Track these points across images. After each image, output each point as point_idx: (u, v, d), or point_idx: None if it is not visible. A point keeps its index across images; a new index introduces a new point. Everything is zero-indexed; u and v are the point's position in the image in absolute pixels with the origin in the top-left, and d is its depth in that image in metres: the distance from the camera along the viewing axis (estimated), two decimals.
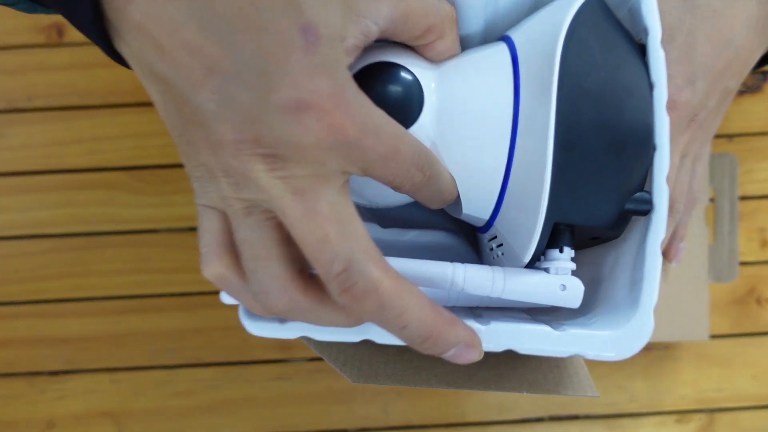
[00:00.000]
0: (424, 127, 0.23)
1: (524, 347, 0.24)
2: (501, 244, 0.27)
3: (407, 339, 0.20)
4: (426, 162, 0.21)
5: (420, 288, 0.22)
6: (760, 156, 0.51)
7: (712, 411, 0.50)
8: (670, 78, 0.26)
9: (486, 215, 0.26)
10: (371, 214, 0.33)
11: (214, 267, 0.20)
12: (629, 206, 0.24)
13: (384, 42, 0.23)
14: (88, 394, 0.50)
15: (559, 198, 0.23)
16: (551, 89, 0.23)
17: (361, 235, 0.19)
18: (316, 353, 0.48)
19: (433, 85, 0.24)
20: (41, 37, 0.54)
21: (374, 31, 0.20)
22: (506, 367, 0.31)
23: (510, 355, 0.29)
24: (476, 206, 0.25)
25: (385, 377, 0.29)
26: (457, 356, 0.21)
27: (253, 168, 0.17)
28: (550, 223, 0.23)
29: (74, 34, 0.54)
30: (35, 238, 0.51)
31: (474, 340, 0.21)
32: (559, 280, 0.25)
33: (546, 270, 0.25)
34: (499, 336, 0.24)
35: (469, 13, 0.26)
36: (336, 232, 0.18)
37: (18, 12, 0.57)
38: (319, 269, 0.18)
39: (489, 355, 0.29)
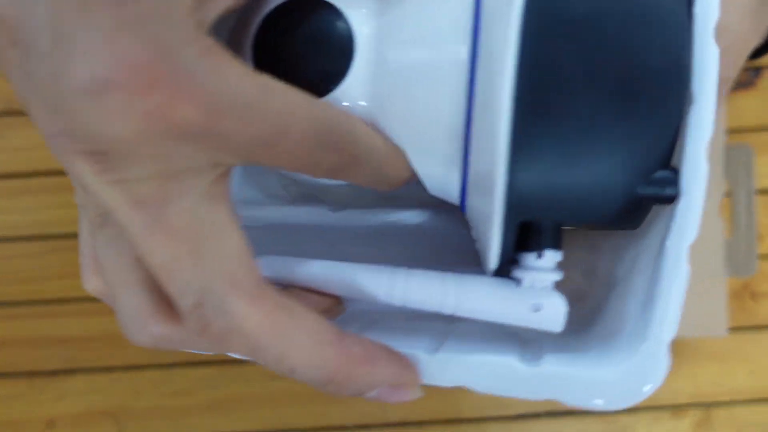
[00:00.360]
0: (350, 90, 0.17)
1: (481, 386, 0.18)
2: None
3: (304, 382, 0.16)
4: (341, 138, 0.15)
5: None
6: (755, 151, 0.51)
7: (708, 405, 0.50)
8: None
9: (455, 199, 0.19)
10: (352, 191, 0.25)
11: (92, 282, 0.16)
12: (643, 190, 0.16)
13: None
14: (88, 394, 0.50)
15: (526, 178, 0.16)
16: (510, 15, 0.15)
17: (227, 254, 0.14)
18: None
19: (367, 28, 0.17)
20: None
21: None
22: None
23: None
24: (439, 187, 0.19)
25: None
26: (381, 397, 0.17)
27: (81, 169, 0.13)
28: (516, 217, 0.16)
29: None
30: (36, 240, 0.52)
31: (403, 377, 0.16)
32: (532, 297, 0.18)
33: (519, 281, 0.18)
34: (447, 370, 0.18)
35: None
36: (188, 253, 0.14)
37: None
38: (172, 300, 0.14)
39: None
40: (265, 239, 0.20)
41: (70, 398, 0.50)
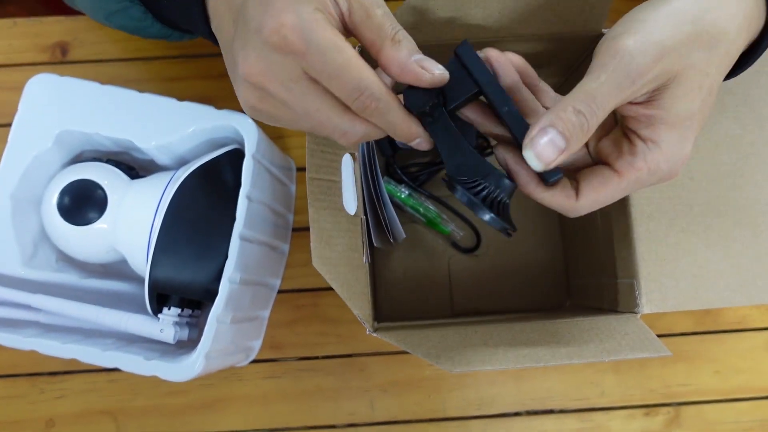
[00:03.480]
0: (104, 222, 0.42)
1: (128, 369, 0.40)
2: None
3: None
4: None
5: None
6: None
7: (679, 405, 0.53)
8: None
9: (147, 278, 0.42)
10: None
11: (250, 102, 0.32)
12: (212, 286, 0.41)
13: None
14: (87, 393, 0.52)
15: (159, 276, 0.41)
16: (163, 209, 0.41)
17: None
18: (303, 354, 0.52)
19: (117, 195, 0.43)
20: (46, 56, 0.57)
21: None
22: (583, 341, 0.36)
23: (586, 330, 0.34)
24: (140, 271, 0.43)
25: (477, 363, 0.33)
26: None
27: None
28: (155, 291, 0.42)
29: (77, 52, 0.57)
30: None
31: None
32: (161, 326, 0.42)
33: (158, 317, 0.43)
34: (107, 357, 0.40)
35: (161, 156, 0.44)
36: None
37: (24, 32, 0.59)
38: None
39: (567, 332, 0.34)
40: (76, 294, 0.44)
41: (70, 398, 0.52)
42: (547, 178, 0.30)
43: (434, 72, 0.29)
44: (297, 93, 0.28)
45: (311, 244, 0.34)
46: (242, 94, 0.29)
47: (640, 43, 0.29)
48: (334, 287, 0.34)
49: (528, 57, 0.43)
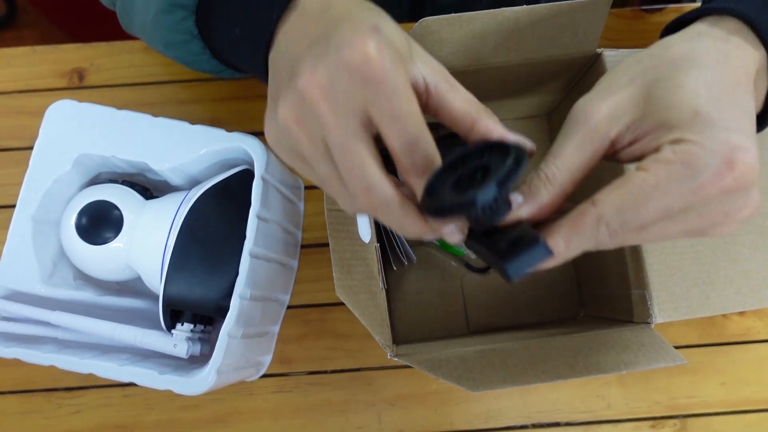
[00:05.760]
0: (120, 242, 0.44)
1: (142, 383, 0.41)
2: None
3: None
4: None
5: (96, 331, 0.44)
6: None
7: (685, 417, 0.53)
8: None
9: (160, 295, 0.44)
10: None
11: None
12: (224, 302, 0.42)
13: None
14: (103, 408, 0.53)
15: (172, 293, 0.43)
16: (176, 229, 0.42)
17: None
18: (312, 368, 0.53)
19: (132, 215, 0.44)
20: (64, 81, 0.59)
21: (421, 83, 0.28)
22: (601, 355, 0.37)
23: (603, 342, 0.35)
24: (155, 288, 0.45)
25: (499, 382, 0.34)
26: None
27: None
28: (169, 307, 0.43)
29: (93, 78, 0.59)
30: None
31: None
32: (174, 341, 0.44)
33: (171, 333, 0.44)
34: (124, 371, 0.41)
35: (174, 177, 0.46)
36: None
37: (43, 58, 0.62)
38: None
39: (584, 345, 0.35)
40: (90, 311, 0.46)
41: (86, 413, 0.53)
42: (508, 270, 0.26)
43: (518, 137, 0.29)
44: (342, 122, 0.26)
45: (333, 273, 0.35)
46: (284, 108, 0.27)
47: (588, 97, 0.29)
48: (357, 315, 0.35)
49: (527, 78, 0.45)
